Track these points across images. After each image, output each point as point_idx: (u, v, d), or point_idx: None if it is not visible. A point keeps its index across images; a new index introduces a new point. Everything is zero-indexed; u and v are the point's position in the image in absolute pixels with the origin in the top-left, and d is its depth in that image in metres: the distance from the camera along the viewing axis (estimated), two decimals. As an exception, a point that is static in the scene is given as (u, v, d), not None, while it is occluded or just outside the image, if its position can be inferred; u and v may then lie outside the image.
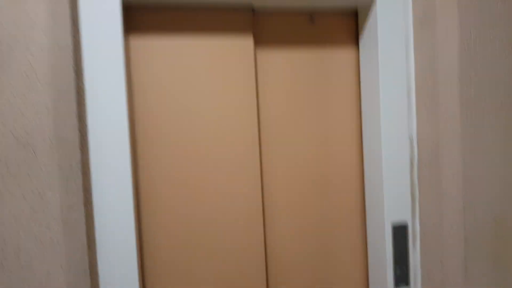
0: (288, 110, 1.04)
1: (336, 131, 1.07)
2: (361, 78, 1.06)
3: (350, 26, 1.08)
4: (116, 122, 0.86)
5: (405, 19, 0.98)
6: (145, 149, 0.97)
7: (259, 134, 1.03)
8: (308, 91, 1.05)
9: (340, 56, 1.07)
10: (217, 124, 0.99)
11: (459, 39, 0.89)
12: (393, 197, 0.99)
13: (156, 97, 0.96)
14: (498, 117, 0.92)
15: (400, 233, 0.99)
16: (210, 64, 0.99)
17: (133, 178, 0.94)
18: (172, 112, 0.97)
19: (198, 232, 0.99)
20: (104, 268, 0.87)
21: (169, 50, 0.97)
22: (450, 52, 0.90)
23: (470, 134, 0.90)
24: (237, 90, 1.00)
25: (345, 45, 1.07)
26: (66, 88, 0.80)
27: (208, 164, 0.99)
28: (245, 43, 1.00)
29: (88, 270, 0.83)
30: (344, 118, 1.07)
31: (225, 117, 1.00)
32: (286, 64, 1.04)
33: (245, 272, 1.02)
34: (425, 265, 0.98)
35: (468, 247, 0.90)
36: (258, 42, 1.03)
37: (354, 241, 1.09)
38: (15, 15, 0.77)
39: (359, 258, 1.09)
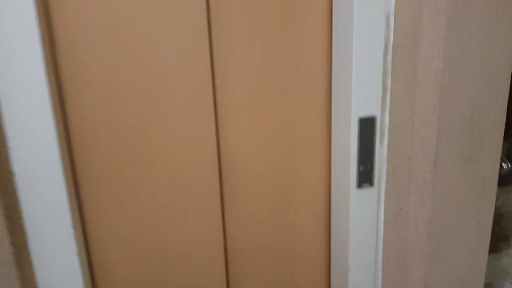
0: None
1: (303, 12, 0.89)
2: None
3: None
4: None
5: None
6: (64, 23, 0.77)
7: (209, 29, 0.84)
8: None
9: None
10: (158, 27, 0.79)
11: None
12: (363, 88, 0.86)
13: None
14: (492, -13, 0.77)
15: (366, 127, 0.88)
16: None
17: (45, 41, 0.75)
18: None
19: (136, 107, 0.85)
20: (19, 163, 0.73)
21: None
22: None
23: (457, 8, 0.75)
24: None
25: None
26: None
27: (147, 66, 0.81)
28: None
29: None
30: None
31: (170, 23, 0.79)
32: None
33: (196, 179, 0.90)
34: (391, 162, 0.89)
35: (441, 142, 0.80)
36: None
37: (316, 139, 0.98)
38: None
39: (322, 159, 1.00)
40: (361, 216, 0.94)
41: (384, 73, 0.86)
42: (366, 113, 0.88)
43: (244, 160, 0.94)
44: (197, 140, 0.89)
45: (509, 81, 0.85)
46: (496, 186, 0.87)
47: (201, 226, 0.94)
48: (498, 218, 1.25)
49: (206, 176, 0.91)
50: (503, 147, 0.90)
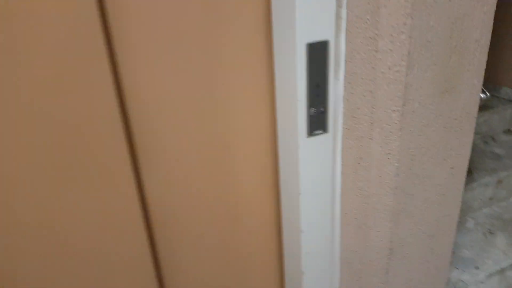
0: None
1: None
2: None
3: None
4: None
5: None
6: None
7: None
8: None
9: None
10: None
11: None
12: (310, 2, 0.63)
13: None
14: None
15: (317, 55, 0.67)
16: None
17: None
18: None
19: None
20: None
21: None
22: None
23: None
24: None
25: None
26: None
27: None
28: None
29: None
30: None
31: None
32: None
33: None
34: (349, 101, 0.70)
35: (412, 70, 0.61)
36: None
37: (255, 75, 0.76)
38: None
39: (264, 101, 0.79)
40: (314, 169, 0.76)
41: (338, -21, 0.63)
42: (316, 36, 0.66)
43: (161, 109, 0.71)
44: (89, 89, 0.64)
45: (497, -14, 0.65)
46: (474, 122, 0.71)
47: (112, 201, 0.73)
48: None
49: (108, 129, 0.68)
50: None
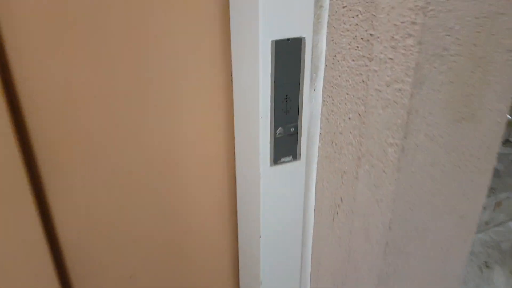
0: None
1: None
2: None
3: None
4: None
5: None
6: None
7: None
8: None
9: None
10: None
11: None
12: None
13: None
14: None
15: (287, 57, 0.48)
16: None
17: None
18: None
19: None
20: None
21: None
22: None
23: None
24: None
25: None
26: None
27: None
28: None
29: None
30: None
31: None
32: None
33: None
34: (329, 121, 0.51)
35: (420, 89, 0.42)
36: None
37: (211, 80, 0.57)
38: None
39: (220, 115, 0.60)
40: (280, 207, 0.57)
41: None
42: (286, 31, 0.47)
43: (70, 113, 0.51)
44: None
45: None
46: (495, 160, 0.53)
47: (7, 227, 0.53)
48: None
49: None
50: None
